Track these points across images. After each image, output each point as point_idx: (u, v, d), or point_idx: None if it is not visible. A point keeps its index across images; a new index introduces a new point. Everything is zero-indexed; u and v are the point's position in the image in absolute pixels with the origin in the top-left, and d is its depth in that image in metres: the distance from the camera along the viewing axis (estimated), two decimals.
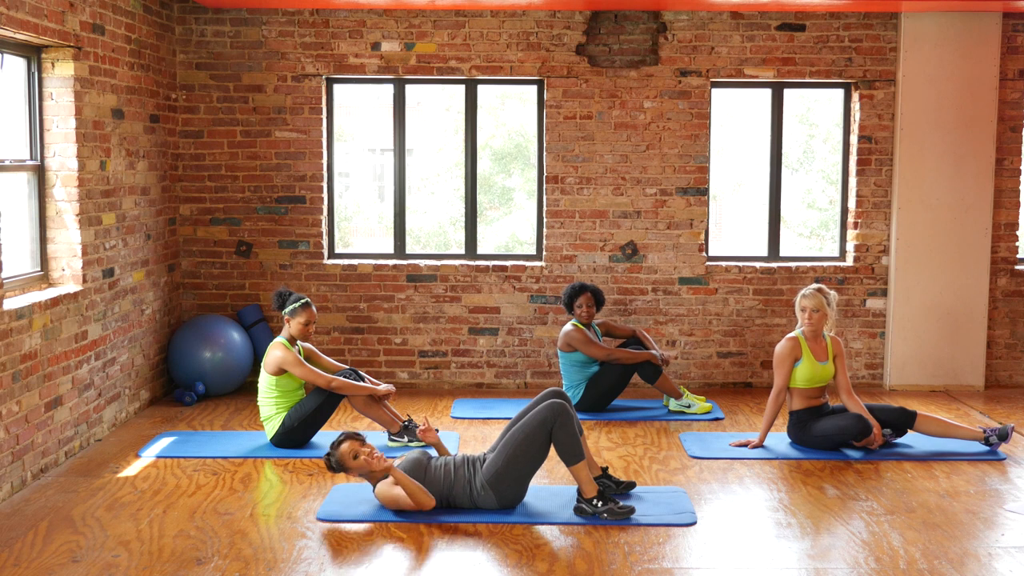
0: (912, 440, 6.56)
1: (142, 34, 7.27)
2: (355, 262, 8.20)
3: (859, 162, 8.17)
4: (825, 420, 6.36)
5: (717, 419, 7.26)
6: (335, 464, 5.26)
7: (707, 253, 8.26)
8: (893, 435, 6.47)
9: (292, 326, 6.41)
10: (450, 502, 5.25)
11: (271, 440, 6.41)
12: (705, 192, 8.17)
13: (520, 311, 8.19)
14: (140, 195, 7.28)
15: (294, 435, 6.36)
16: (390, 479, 5.19)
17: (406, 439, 6.46)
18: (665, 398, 7.48)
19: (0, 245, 5.40)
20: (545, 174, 8.14)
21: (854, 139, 8.21)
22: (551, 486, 5.66)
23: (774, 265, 8.25)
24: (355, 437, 5.28)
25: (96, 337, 6.51)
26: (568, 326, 7.36)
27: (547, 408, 5.20)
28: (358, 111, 11.11)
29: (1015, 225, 8.26)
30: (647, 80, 8.06)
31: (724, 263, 8.26)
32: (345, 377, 6.43)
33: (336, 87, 8.27)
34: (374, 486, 5.26)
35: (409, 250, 8.43)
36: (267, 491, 5.64)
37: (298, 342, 6.51)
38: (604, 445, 6.55)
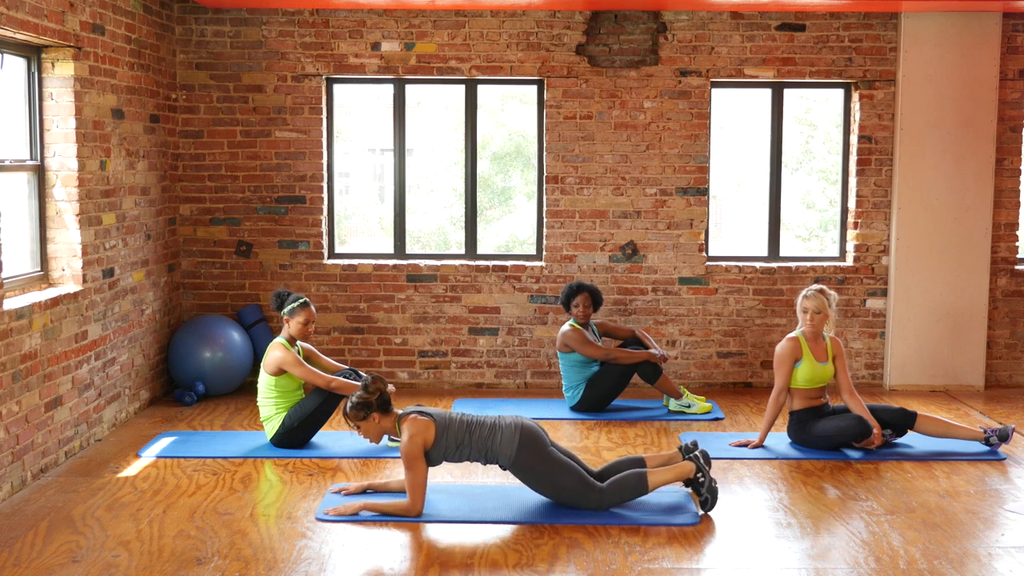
0: (912, 440, 6.56)
1: (142, 34, 7.27)
2: (355, 262, 8.20)
3: (859, 162, 8.17)
4: (825, 421, 6.36)
5: (717, 419, 7.26)
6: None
7: (707, 253, 8.25)
8: (893, 435, 6.47)
9: (291, 326, 6.41)
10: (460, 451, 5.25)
11: (271, 440, 6.41)
12: (705, 192, 8.17)
13: (520, 311, 8.19)
14: (140, 195, 7.28)
15: (294, 435, 6.36)
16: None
17: None
18: (665, 398, 7.47)
19: (0, 245, 5.40)
20: (545, 174, 8.14)
21: (854, 139, 8.21)
22: None
23: (774, 265, 8.25)
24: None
25: (96, 337, 6.51)
26: (565, 326, 7.36)
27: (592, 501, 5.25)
28: (358, 111, 11.10)
29: (1015, 225, 8.26)
30: (647, 80, 8.06)
31: (724, 263, 8.25)
32: (345, 377, 6.43)
33: (336, 87, 8.27)
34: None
35: (409, 250, 8.43)
36: (267, 491, 5.64)
37: (297, 342, 6.51)
38: (604, 445, 6.55)
